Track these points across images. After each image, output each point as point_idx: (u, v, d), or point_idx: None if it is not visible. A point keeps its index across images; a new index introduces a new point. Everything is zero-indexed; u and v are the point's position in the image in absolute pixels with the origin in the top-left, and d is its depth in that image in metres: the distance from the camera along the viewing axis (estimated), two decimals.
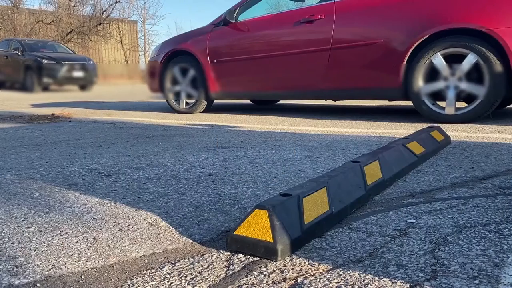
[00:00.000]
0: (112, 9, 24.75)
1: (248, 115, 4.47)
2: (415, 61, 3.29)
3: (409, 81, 3.34)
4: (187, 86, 4.81)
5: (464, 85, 3.17)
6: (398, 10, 3.41)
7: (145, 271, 0.93)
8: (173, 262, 0.98)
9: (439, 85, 3.26)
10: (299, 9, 4.11)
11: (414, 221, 1.18)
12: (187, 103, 4.90)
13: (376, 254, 0.97)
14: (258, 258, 0.97)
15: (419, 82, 3.30)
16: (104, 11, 24.34)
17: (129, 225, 1.22)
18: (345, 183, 1.28)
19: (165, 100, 5.17)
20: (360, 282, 0.85)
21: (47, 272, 0.94)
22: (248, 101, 6.24)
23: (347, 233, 1.10)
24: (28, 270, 0.95)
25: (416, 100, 3.38)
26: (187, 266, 0.95)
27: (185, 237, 1.12)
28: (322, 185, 1.17)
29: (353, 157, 2.03)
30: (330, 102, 5.75)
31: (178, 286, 0.86)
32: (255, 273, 0.90)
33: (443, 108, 3.28)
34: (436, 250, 0.98)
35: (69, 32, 22.89)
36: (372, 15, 3.53)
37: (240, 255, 0.99)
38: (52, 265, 0.97)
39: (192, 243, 1.08)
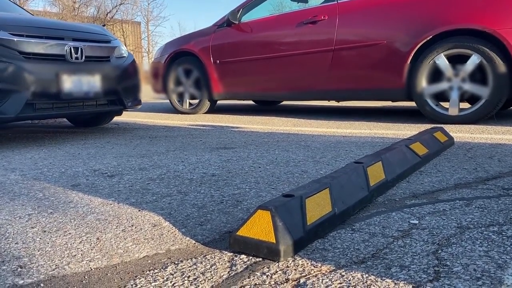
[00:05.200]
0: (116, 11, 24.86)
1: (251, 116, 4.47)
2: (418, 62, 3.29)
3: (413, 82, 3.34)
4: (190, 87, 4.82)
5: (468, 86, 3.16)
6: (401, 11, 3.41)
7: (148, 272, 0.94)
8: (176, 262, 0.98)
9: (442, 86, 3.25)
10: (302, 10, 4.11)
11: (417, 222, 1.18)
12: (190, 104, 4.92)
13: (378, 255, 0.97)
14: (260, 259, 0.97)
15: (423, 83, 3.30)
16: (108, 12, 24.44)
17: (132, 225, 1.23)
18: (348, 184, 1.28)
19: (168, 101, 5.18)
20: (363, 283, 0.85)
21: (50, 272, 0.94)
22: (251, 102, 6.24)
23: (350, 234, 1.10)
24: (32, 270, 0.95)
25: (419, 101, 3.37)
26: (190, 266, 0.95)
27: (188, 238, 1.12)
28: (324, 186, 1.17)
29: (356, 158, 2.04)
30: (333, 103, 5.75)
31: (181, 287, 0.86)
32: (258, 273, 0.90)
33: (447, 109, 3.27)
34: (439, 251, 0.98)
35: None
36: (375, 16, 3.53)
37: (242, 256, 0.99)
38: (56, 265, 0.98)
39: (195, 243, 1.09)
